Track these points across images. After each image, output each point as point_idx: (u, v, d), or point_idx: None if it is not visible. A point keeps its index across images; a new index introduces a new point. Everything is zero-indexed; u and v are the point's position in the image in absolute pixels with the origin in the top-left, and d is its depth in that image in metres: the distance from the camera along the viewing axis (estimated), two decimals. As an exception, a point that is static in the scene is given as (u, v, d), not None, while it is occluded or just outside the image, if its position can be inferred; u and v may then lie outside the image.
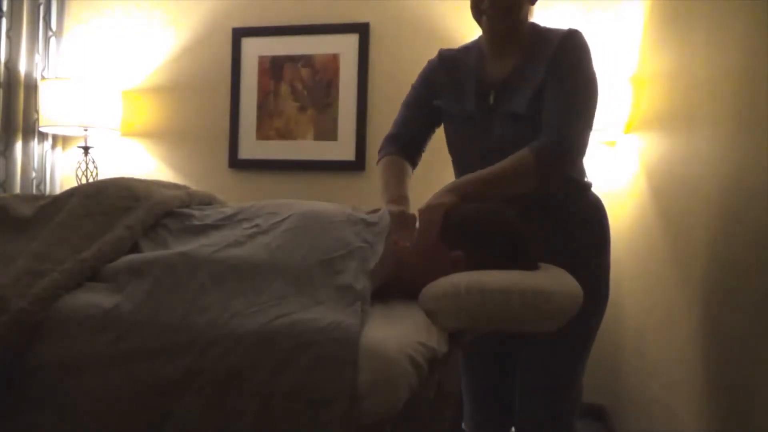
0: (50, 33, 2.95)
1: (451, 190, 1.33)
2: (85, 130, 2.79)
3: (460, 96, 1.49)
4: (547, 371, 1.47)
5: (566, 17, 2.54)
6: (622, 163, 2.43)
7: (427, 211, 1.29)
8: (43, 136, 2.93)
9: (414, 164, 1.60)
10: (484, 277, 1.15)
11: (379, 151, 1.60)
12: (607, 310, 1.50)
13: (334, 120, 2.77)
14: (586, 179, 1.48)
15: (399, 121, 1.60)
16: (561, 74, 1.36)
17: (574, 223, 1.44)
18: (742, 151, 1.25)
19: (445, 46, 1.61)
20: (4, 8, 2.75)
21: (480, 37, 1.51)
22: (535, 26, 1.46)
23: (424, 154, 1.63)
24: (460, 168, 1.55)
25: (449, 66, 1.54)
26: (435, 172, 1.88)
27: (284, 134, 2.83)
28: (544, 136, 1.33)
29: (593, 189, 1.51)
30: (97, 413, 0.97)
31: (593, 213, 1.47)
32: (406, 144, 1.58)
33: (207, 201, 1.47)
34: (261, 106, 2.85)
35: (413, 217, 1.36)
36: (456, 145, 1.55)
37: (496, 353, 1.60)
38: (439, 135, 1.60)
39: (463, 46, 1.56)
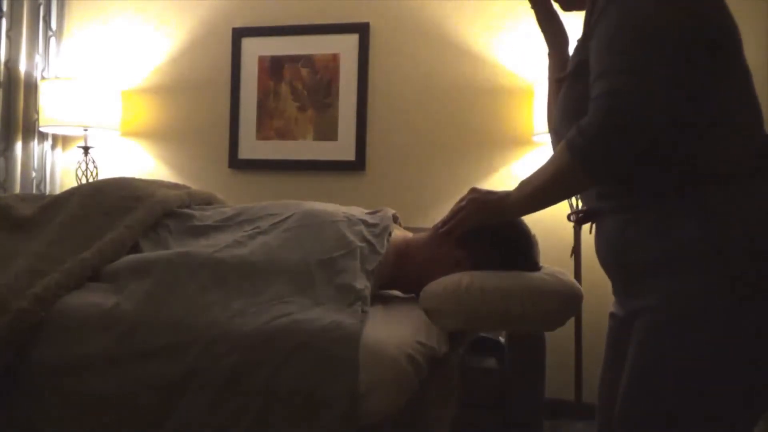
0: (50, 33, 2.95)
1: (510, 206, 1.08)
2: (85, 130, 2.79)
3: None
4: None
5: (568, 15, 2.53)
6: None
7: (477, 207, 1.14)
8: (43, 136, 2.92)
9: None
10: (485, 276, 1.15)
11: None
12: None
13: (334, 120, 2.77)
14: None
15: None
16: (607, 14, 0.91)
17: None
18: (742, 151, 1.24)
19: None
20: (4, 8, 2.75)
21: None
22: None
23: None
24: None
25: None
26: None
27: (284, 134, 2.83)
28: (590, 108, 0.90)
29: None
30: (98, 412, 0.97)
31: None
32: None
33: (207, 201, 1.47)
34: (261, 106, 2.85)
35: None
36: None
37: None
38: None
39: None
